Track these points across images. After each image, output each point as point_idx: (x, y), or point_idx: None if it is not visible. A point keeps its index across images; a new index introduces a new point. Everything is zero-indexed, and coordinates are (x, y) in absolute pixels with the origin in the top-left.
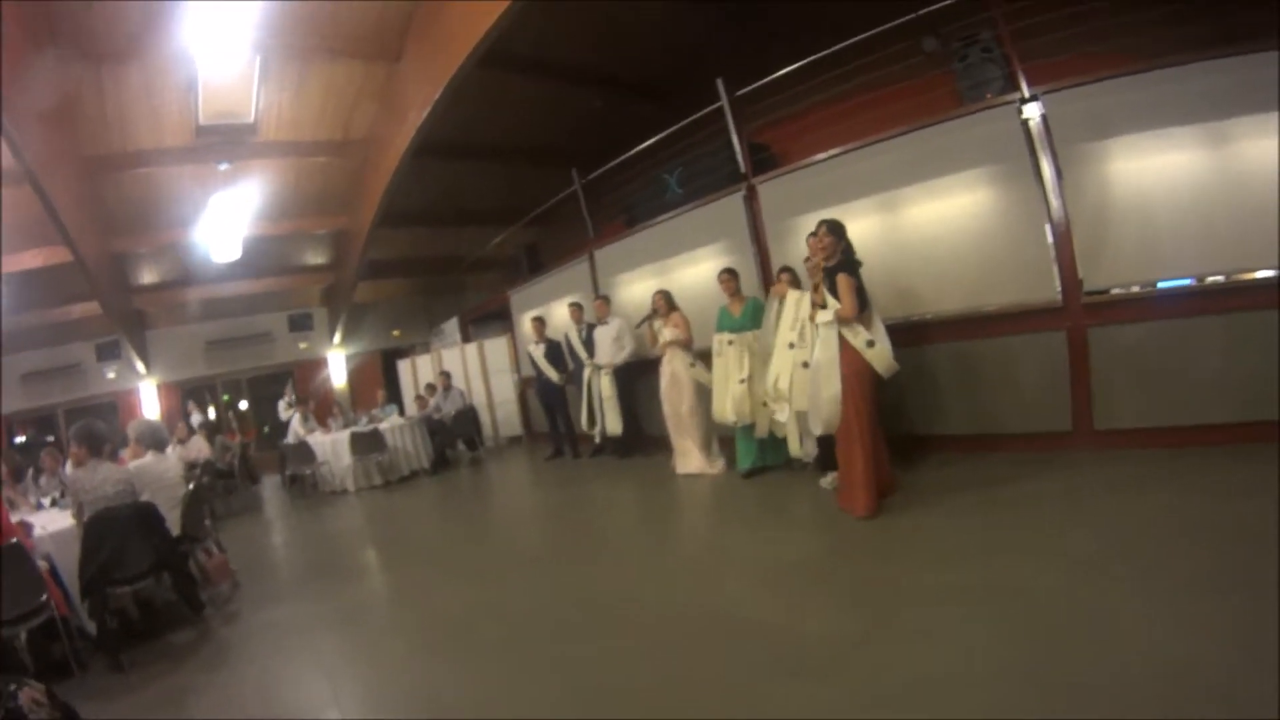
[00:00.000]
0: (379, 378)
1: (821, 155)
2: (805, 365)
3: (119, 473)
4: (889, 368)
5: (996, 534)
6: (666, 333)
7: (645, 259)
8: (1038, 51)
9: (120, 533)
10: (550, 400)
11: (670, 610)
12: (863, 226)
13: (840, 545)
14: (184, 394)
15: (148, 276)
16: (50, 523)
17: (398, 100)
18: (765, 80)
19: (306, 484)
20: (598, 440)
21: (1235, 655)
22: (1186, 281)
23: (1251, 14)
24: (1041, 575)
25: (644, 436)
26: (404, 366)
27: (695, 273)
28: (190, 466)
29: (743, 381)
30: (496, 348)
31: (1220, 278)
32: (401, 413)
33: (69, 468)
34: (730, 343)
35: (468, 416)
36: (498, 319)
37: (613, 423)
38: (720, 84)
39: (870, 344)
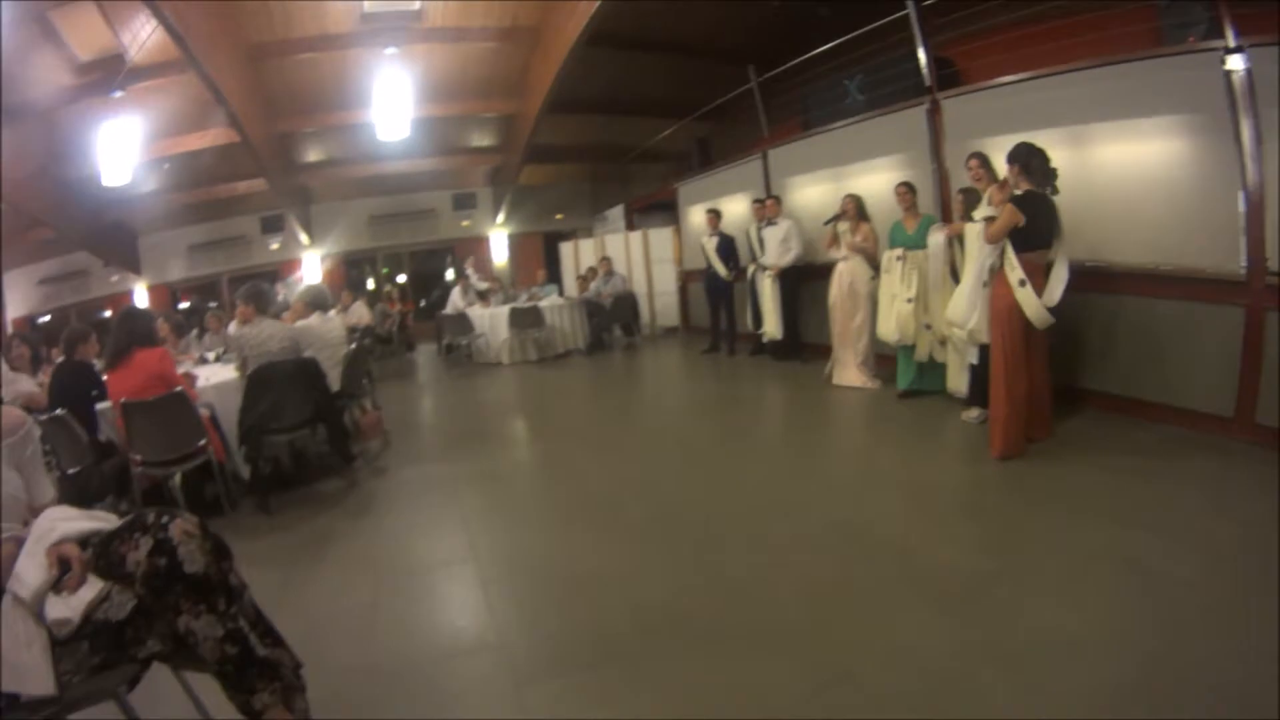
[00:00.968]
0: (540, 258)
1: (1009, 78)
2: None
3: (284, 329)
4: (1038, 315)
5: (1134, 505)
6: (852, 240)
7: (819, 163)
8: None
9: (281, 386)
10: (715, 294)
11: (803, 515)
12: None
13: (978, 481)
14: (346, 264)
15: (313, 155)
16: (213, 376)
17: None
18: None
19: (461, 354)
20: (764, 340)
21: None
22: None
23: None
24: (1170, 556)
25: (800, 342)
26: (566, 249)
27: (870, 183)
28: (351, 330)
29: (910, 301)
30: (661, 238)
31: None
32: (561, 293)
33: (234, 326)
34: (900, 259)
35: (627, 302)
36: (663, 209)
37: (772, 325)
38: None
39: (1022, 283)
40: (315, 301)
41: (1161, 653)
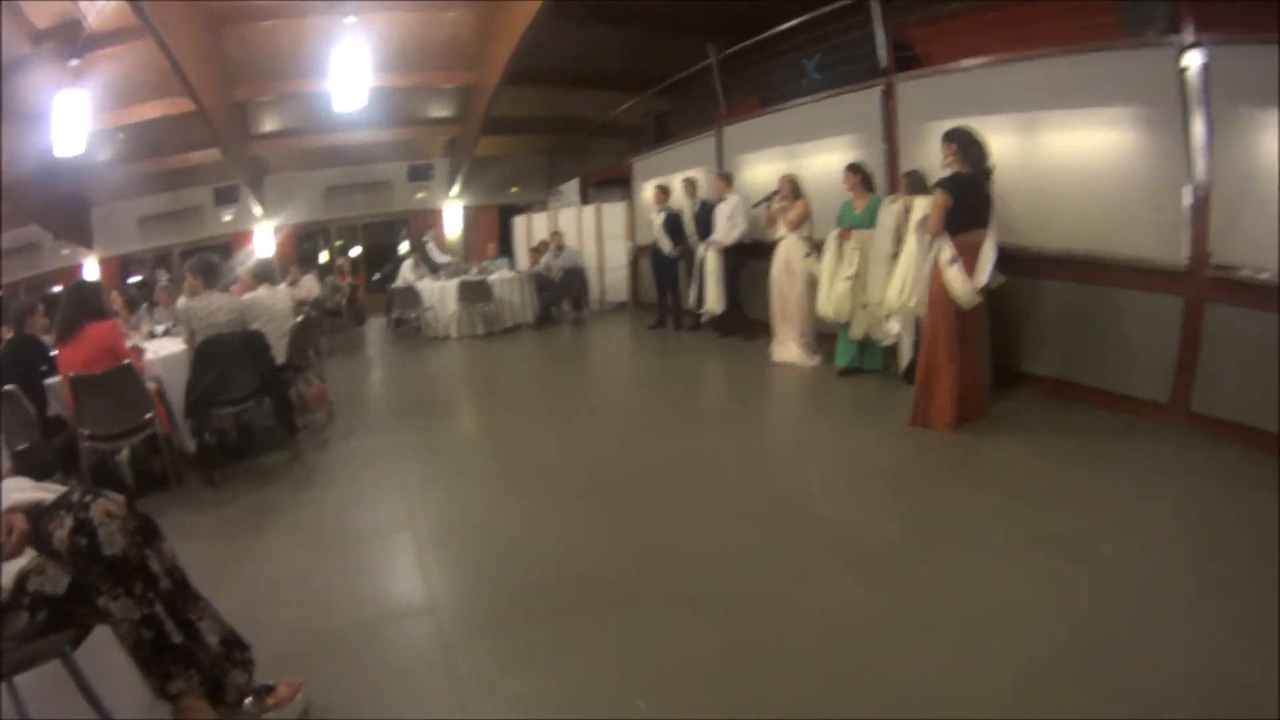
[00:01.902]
0: (494, 231)
1: (966, 62)
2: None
3: (231, 302)
4: (965, 294)
5: (1065, 485)
6: (785, 218)
7: (774, 141)
8: None
9: (228, 358)
10: (661, 270)
11: (735, 485)
12: (997, 145)
13: (909, 458)
14: (299, 237)
15: (269, 125)
16: (162, 349)
17: None
18: None
19: (410, 327)
20: (701, 317)
21: (1250, 656)
22: None
23: None
24: (1099, 535)
25: (744, 318)
26: (519, 222)
27: (823, 162)
28: (300, 303)
29: (847, 280)
30: (614, 213)
31: None
32: (512, 267)
33: (183, 299)
34: (842, 237)
35: (576, 277)
36: (619, 184)
37: (714, 300)
38: None
39: (952, 261)
40: (262, 274)
41: (1083, 626)
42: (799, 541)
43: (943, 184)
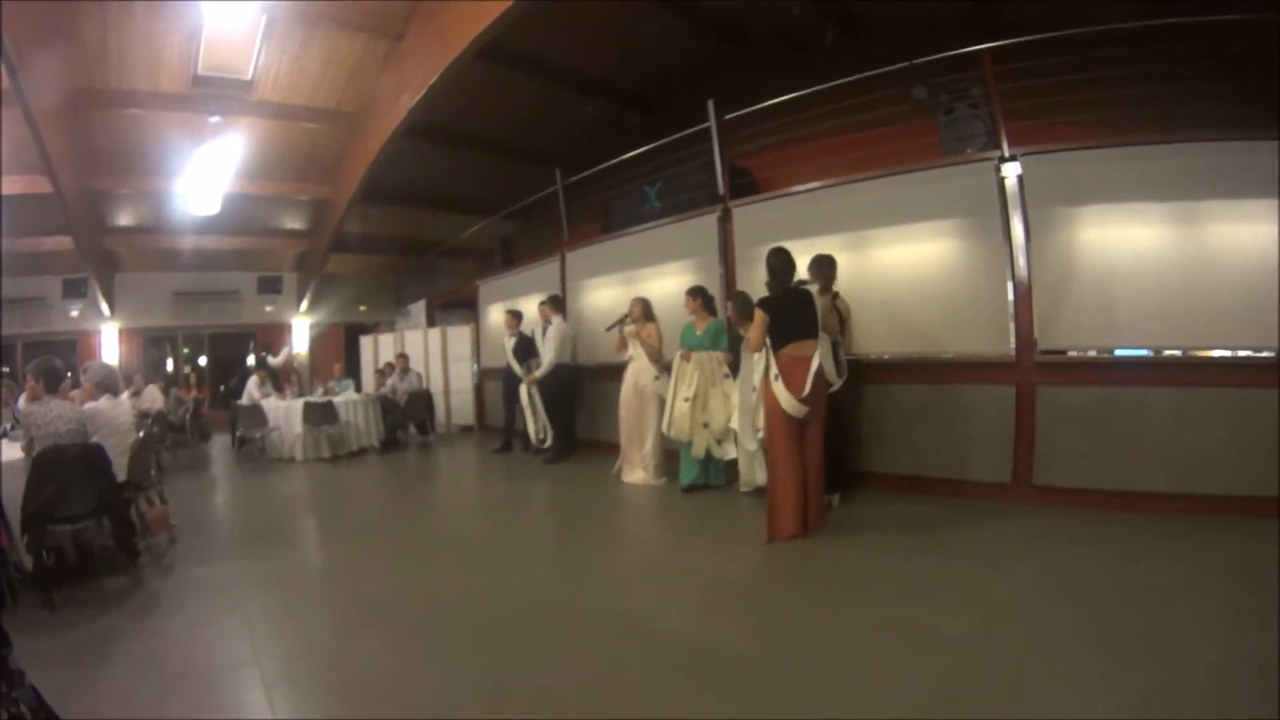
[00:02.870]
0: (340, 351)
1: (800, 187)
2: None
3: (72, 411)
4: (791, 406)
5: (910, 577)
6: (636, 337)
7: (616, 266)
8: (1023, 114)
9: (67, 472)
10: (511, 394)
11: (583, 608)
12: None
13: (755, 568)
14: (146, 341)
15: (124, 218)
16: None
17: (394, 79)
18: (755, 108)
19: (255, 448)
20: (535, 442)
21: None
22: (1143, 352)
23: (1232, 106)
24: (942, 621)
25: (573, 443)
26: (366, 343)
27: (663, 285)
28: (142, 416)
29: (686, 400)
30: (459, 335)
31: (1178, 351)
32: (358, 388)
33: (23, 401)
34: (684, 358)
35: (422, 400)
36: (464, 307)
37: (536, 428)
38: (710, 105)
39: (776, 377)
40: (105, 383)
41: (932, 708)
42: (649, 660)
43: (761, 304)
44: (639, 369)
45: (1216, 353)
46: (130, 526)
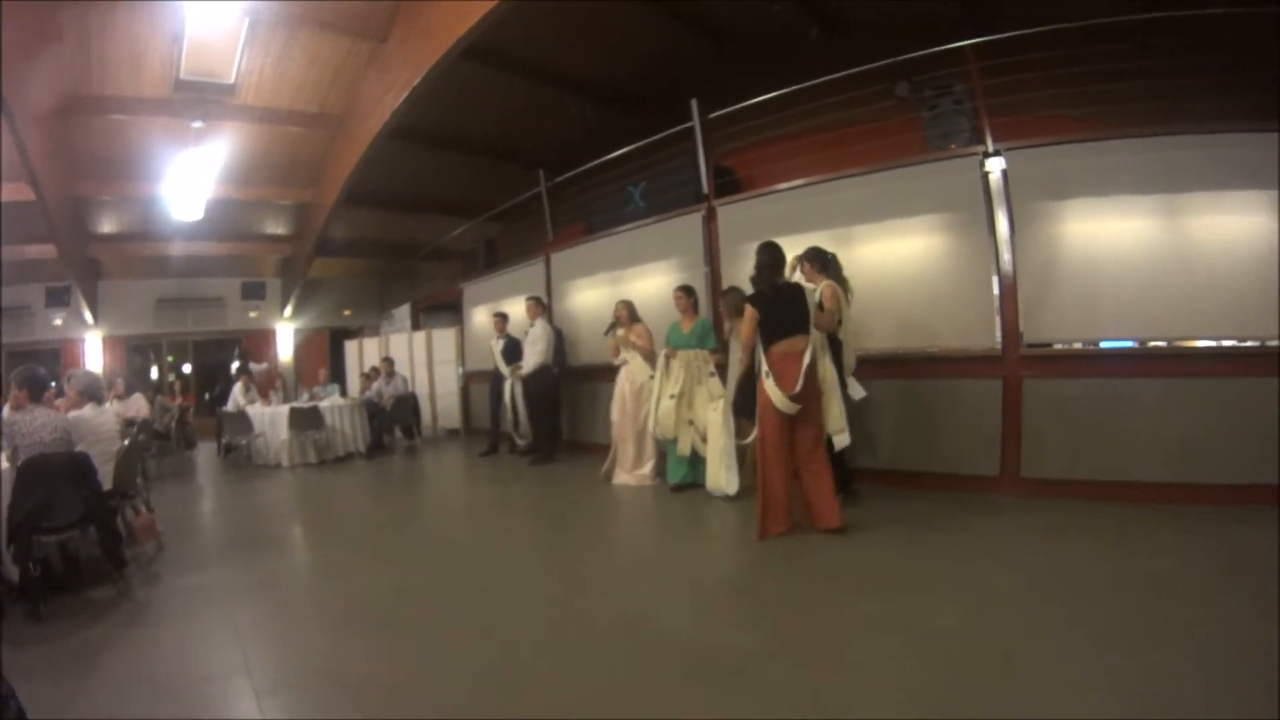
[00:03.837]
0: (325, 356)
1: (784, 185)
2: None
3: (57, 420)
4: (782, 403)
5: (908, 568)
6: (630, 343)
7: (600, 267)
8: (1007, 109)
9: (52, 481)
10: (498, 397)
11: (577, 608)
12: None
13: (748, 565)
14: (130, 349)
15: (107, 225)
16: None
17: (378, 81)
18: (739, 106)
19: (241, 454)
20: (518, 444)
21: (1121, 697)
22: (1128, 344)
23: (1216, 99)
24: (937, 613)
25: (558, 444)
26: (351, 347)
27: (647, 285)
28: (128, 424)
29: (672, 398)
30: (445, 338)
31: (1163, 343)
32: (344, 393)
33: (6, 410)
34: (670, 358)
35: (408, 404)
36: (449, 310)
37: (523, 428)
38: (694, 104)
39: (767, 375)
40: (89, 391)
41: (932, 701)
42: (649, 658)
43: (750, 299)
44: (634, 370)
45: (1200, 343)
46: (117, 535)
